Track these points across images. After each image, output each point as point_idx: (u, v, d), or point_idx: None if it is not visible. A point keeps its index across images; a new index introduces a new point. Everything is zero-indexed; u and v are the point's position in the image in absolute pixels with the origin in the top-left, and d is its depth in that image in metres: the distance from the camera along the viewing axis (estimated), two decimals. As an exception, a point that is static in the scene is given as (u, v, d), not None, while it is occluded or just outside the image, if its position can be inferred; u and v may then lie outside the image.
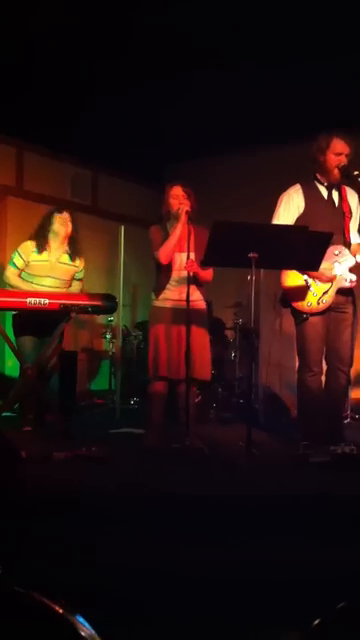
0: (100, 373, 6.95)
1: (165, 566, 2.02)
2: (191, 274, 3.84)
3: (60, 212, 4.52)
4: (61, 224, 4.48)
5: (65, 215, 4.51)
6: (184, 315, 3.80)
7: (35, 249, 4.44)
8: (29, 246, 4.46)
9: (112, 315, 5.86)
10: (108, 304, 4.44)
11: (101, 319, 6.49)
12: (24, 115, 5.74)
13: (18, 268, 4.44)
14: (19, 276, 4.44)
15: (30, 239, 4.49)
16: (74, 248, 4.56)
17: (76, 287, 4.64)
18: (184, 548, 2.16)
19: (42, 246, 4.43)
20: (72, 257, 4.54)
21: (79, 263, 4.58)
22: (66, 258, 4.52)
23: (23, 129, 6.18)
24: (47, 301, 4.14)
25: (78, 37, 4.88)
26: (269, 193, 4.00)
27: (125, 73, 5.43)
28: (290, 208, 3.80)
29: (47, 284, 4.42)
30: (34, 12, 4.54)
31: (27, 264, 4.44)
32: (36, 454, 3.50)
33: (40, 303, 4.13)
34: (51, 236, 4.46)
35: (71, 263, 4.54)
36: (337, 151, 3.68)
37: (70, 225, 4.52)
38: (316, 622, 0.85)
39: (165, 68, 5.32)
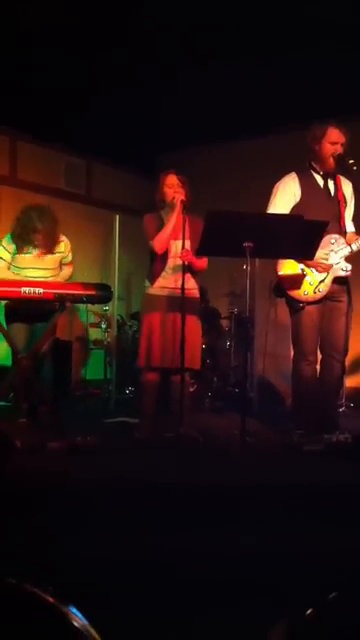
0: (95, 363, 6.94)
1: (160, 557, 2.02)
2: (186, 263, 3.83)
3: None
4: None
5: None
6: (179, 303, 3.79)
7: (16, 250, 4.36)
8: (10, 243, 4.38)
9: (107, 304, 5.84)
10: (103, 293, 4.41)
11: (96, 308, 6.47)
12: (18, 104, 5.70)
13: (4, 260, 4.38)
14: (8, 269, 4.38)
15: (12, 238, 4.39)
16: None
17: (67, 271, 4.59)
18: (179, 539, 2.16)
19: (28, 245, 4.35)
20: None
21: (64, 247, 4.51)
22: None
23: (17, 118, 6.12)
24: (42, 290, 4.11)
25: (72, 28, 4.84)
26: (264, 182, 3.99)
27: (119, 64, 5.40)
28: (287, 196, 3.79)
29: (36, 275, 4.33)
30: (28, 2, 4.50)
31: (14, 257, 4.37)
32: (30, 444, 3.49)
33: (35, 293, 4.10)
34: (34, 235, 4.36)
35: (56, 250, 4.46)
36: (332, 140, 3.68)
37: None
38: (308, 612, 0.85)
39: (159, 59, 5.29)
